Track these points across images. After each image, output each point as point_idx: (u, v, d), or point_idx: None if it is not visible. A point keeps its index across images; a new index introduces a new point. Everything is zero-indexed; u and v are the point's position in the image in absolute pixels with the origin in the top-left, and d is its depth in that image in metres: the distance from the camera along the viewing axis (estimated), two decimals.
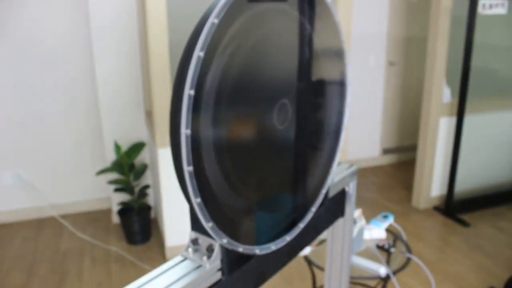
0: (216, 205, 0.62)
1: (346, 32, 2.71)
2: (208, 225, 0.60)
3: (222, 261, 0.66)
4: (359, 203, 3.52)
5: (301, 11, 0.74)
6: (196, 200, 0.57)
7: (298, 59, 0.76)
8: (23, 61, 3.04)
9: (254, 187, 0.70)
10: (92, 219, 3.33)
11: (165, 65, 2.33)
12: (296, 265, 2.61)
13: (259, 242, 0.73)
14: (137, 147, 3.04)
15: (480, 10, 2.94)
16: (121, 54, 3.01)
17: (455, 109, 3.20)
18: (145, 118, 3.15)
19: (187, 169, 0.55)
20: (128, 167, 2.93)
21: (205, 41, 0.54)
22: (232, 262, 0.69)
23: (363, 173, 4.22)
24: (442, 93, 3.18)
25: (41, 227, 3.20)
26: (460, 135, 3.18)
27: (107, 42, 2.96)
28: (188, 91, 0.53)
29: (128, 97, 3.10)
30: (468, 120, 3.19)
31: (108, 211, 3.42)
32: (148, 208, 3.07)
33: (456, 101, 3.18)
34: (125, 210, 3.01)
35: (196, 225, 0.65)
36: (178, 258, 0.67)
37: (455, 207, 3.31)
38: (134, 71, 3.08)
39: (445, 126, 3.28)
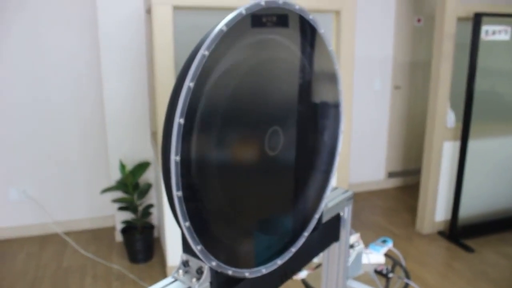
0: (206, 229, 0.63)
1: (349, 54, 2.75)
2: (197, 248, 0.62)
3: (211, 283, 0.68)
4: (362, 226, 3.51)
5: (294, 40, 0.77)
6: (185, 224, 0.59)
7: (290, 87, 0.78)
8: (31, 80, 3.12)
9: (245, 212, 0.72)
10: (95, 236, 3.34)
11: (170, 88, 2.38)
12: None
13: (249, 265, 0.74)
14: (142, 167, 3.07)
15: (483, 36, 2.97)
16: (128, 75, 3.08)
17: (459, 134, 3.20)
18: (151, 138, 3.19)
19: (176, 194, 0.57)
20: (132, 186, 2.95)
21: (195, 72, 0.57)
22: (222, 284, 0.70)
23: (368, 196, 4.21)
24: (446, 117, 3.19)
25: (45, 244, 3.22)
26: (464, 160, 3.17)
27: (116, 63, 3.03)
28: (178, 120, 0.56)
29: (134, 118, 3.15)
30: (472, 144, 3.19)
31: (111, 229, 3.43)
32: (151, 227, 3.08)
33: (460, 125, 3.19)
34: (128, 229, 3.02)
35: (186, 247, 0.67)
36: (169, 279, 0.69)
37: (459, 232, 3.28)
38: (141, 92, 3.14)
39: (449, 151, 3.28)
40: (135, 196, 2.98)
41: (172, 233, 2.66)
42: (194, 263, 0.68)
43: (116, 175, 3.12)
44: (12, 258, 3.01)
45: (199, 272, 0.67)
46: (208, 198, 0.63)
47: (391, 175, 4.44)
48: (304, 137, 0.83)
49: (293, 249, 0.85)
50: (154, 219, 3.30)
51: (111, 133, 3.11)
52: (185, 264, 0.70)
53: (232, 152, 0.66)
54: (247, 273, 0.73)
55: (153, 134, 3.14)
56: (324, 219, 0.98)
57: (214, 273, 0.68)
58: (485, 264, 2.93)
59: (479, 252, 3.10)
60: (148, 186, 3.13)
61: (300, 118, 0.82)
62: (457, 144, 3.24)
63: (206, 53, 0.58)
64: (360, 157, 4.22)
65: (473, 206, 3.36)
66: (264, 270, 0.77)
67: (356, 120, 4.02)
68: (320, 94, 0.87)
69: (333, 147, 0.93)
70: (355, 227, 3.45)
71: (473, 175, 3.27)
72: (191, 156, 0.59)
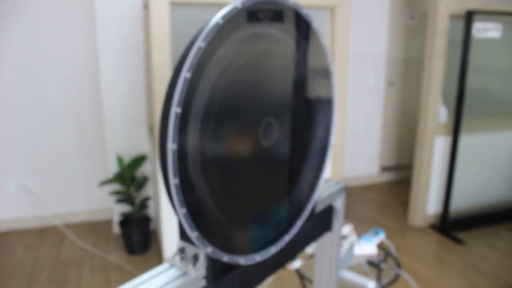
0: (202, 216, 0.67)
1: (344, 50, 2.78)
2: (193, 235, 0.65)
3: (207, 269, 0.71)
4: (355, 220, 3.55)
5: (289, 35, 0.80)
6: (182, 211, 0.62)
7: (284, 80, 0.81)
8: (29, 74, 3.13)
9: (240, 200, 0.75)
10: (93, 229, 3.37)
11: (166, 83, 2.40)
12: (289, 278, 2.64)
13: (243, 252, 0.77)
14: (139, 160, 3.10)
15: (474, 33, 3.01)
16: (126, 70, 3.09)
17: (451, 129, 3.25)
18: (148, 132, 3.21)
19: (173, 181, 0.60)
20: (129, 179, 2.98)
21: (191, 63, 0.60)
22: (217, 270, 0.73)
23: (361, 191, 4.26)
24: (438, 113, 3.23)
25: (43, 236, 3.25)
26: (456, 154, 3.22)
27: (113, 57, 3.04)
28: (175, 109, 0.59)
29: (131, 111, 3.17)
30: (463, 139, 3.24)
31: (109, 222, 3.46)
32: (148, 219, 3.11)
33: (452, 121, 3.23)
34: (125, 221, 3.05)
35: (183, 234, 0.70)
36: (166, 265, 0.72)
37: (451, 226, 3.34)
38: (138, 86, 3.16)
39: (441, 146, 3.32)
40: (132, 189, 3.01)
41: (168, 225, 2.69)
42: (190, 250, 0.71)
43: (113, 168, 3.15)
44: (10, 250, 3.04)
45: (195, 258, 0.70)
46: (203, 186, 0.66)
47: (384, 169, 4.48)
48: (297, 129, 0.86)
49: (286, 238, 0.88)
50: (151, 212, 3.33)
51: (108, 126, 3.14)
52: (181, 251, 0.73)
53: (227, 141, 0.69)
54: (242, 260, 0.77)
55: (150, 128, 3.17)
56: (317, 210, 1.02)
57: (210, 260, 0.71)
58: (475, 256, 2.99)
59: (470, 244, 3.16)
60: (145, 179, 3.15)
61: (294, 110, 0.84)
62: (449, 139, 3.29)
63: (203, 44, 0.60)
64: (354, 151, 4.26)
65: (464, 199, 3.41)
66: (258, 257, 0.81)
67: (350, 116, 4.05)
68: (314, 87, 0.90)
69: (326, 139, 0.96)
70: (349, 220, 3.50)
71: (464, 169, 3.32)
72: (187, 145, 0.61)
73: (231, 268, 0.76)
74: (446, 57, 3.12)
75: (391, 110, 4.33)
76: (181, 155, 0.61)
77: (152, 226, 3.29)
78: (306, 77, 0.87)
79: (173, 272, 0.70)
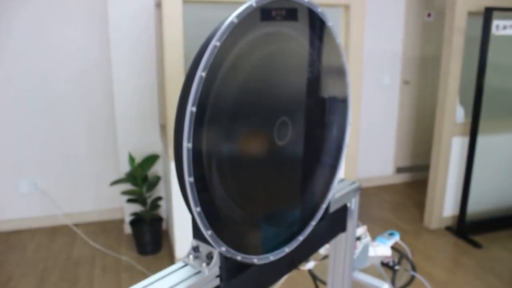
0: (216, 214, 0.65)
1: (358, 48, 2.75)
2: (207, 233, 0.64)
3: (220, 268, 0.70)
4: (370, 221, 3.51)
5: (303, 33, 0.78)
6: (196, 209, 0.61)
7: (298, 79, 0.80)
8: (42, 74, 3.15)
9: (254, 199, 0.74)
10: (104, 228, 3.38)
11: (179, 82, 2.40)
12: (303, 281, 2.61)
13: (257, 252, 0.76)
14: (151, 160, 3.10)
15: (493, 30, 2.95)
16: (138, 69, 3.10)
17: (468, 129, 3.19)
18: (160, 131, 3.22)
19: (188, 179, 0.59)
20: (141, 178, 2.98)
21: (207, 62, 0.58)
22: (231, 269, 0.72)
23: (376, 192, 4.21)
24: (455, 113, 3.18)
25: (55, 235, 3.27)
26: (473, 155, 3.16)
27: (125, 57, 3.05)
28: (191, 108, 0.58)
29: (143, 111, 3.18)
30: (481, 140, 3.17)
31: (120, 222, 3.48)
32: (159, 219, 3.11)
33: (469, 121, 3.17)
34: (137, 221, 3.06)
35: (197, 233, 0.69)
36: (180, 264, 0.71)
37: (468, 228, 3.28)
38: (150, 86, 3.16)
39: (458, 146, 3.27)
40: (144, 189, 3.01)
41: (180, 226, 2.69)
42: (204, 248, 0.70)
43: (125, 168, 3.16)
44: (22, 249, 3.06)
45: (209, 257, 0.69)
46: (218, 185, 0.65)
47: (399, 170, 4.43)
48: (312, 128, 0.85)
49: (300, 238, 0.86)
50: (162, 212, 3.33)
51: (120, 126, 3.14)
52: (195, 249, 0.71)
53: (242, 140, 0.67)
54: (256, 260, 0.75)
55: (162, 127, 3.17)
56: (331, 210, 0.99)
57: (224, 259, 0.70)
58: (493, 260, 2.93)
59: (487, 248, 3.09)
60: (157, 179, 3.16)
61: (308, 109, 0.83)
62: (466, 140, 3.23)
63: (218, 44, 0.59)
64: (369, 152, 4.22)
65: (481, 202, 3.35)
66: (272, 257, 0.79)
67: (364, 115, 4.01)
68: (328, 87, 0.88)
69: (340, 138, 0.94)
70: (363, 222, 3.45)
71: (482, 171, 3.26)
72: (202, 144, 0.60)
73: (244, 267, 0.75)
74: (464, 55, 3.07)
75: (406, 109, 4.28)
76: (196, 154, 0.60)
77: (164, 226, 3.29)
78: (321, 76, 0.85)
79: (186, 271, 0.69)
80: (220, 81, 0.61)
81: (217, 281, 0.70)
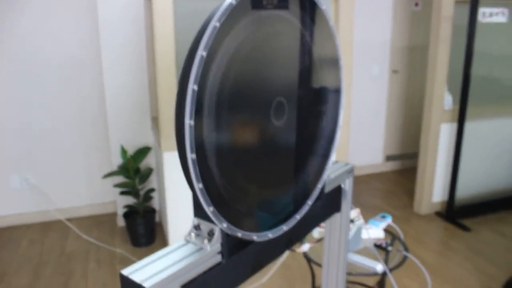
0: (217, 191, 0.67)
1: (348, 39, 2.77)
2: (209, 210, 0.66)
3: (222, 244, 0.72)
4: (361, 208, 3.56)
5: (299, 17, 0.80)
6: (199, 186, 0.63)
7: (293, 60, 0.82)
8: (34, 67, 3.13)
9: (254, 178, 0.76)
10: (98, 222, 3.38)
11: (171, 74, 2.40)
12: (298, 266, 2.65)
13: (257, 229, 0.78)
14: (143, 152, 3.10)
15: (480, 18, 2.99)
16: (129, 62, 3.09)
17: (456, 116, 3.24)
18: (151, 123, 3.22)
19: (191, 156, 0.61)
20: (133, 171, 2.99)
21: (207, 42, 0.60)
22: (231, 246, 0.74)
23: (366, 180, 4.26)
24: (444, 100, 3.22)
25: (48, 230, 3.26)
26: (461, 141, 3.22)
27: (116, 50, 3.04)
28: (192, 86, 0.59)
29: (135, 104, 3.17)
30: (469, 126, 3.23)
31: (113, 215, 3.48)
32: (153, 211, 3.12)
33: (457, 107, 3.23)
34: (130, 213, 3.06)
35: (198, 211, 0.70)
36: (181, 242, 0.73)
37: (456, 213, 3.34)
38: (141, 78, 3.16)
39: (446, 133, 3.32)
40: (137, 181, 3.02)
41: (173, 217, 2.70)
42: (205, 226, 0.72)
43: (117, 161, 3.16)
44: (15, 245, 3.05)
45: (211, 234, 0.71)
46: (219, 163, 0.66)
47: (389, 158, 4.49)
48: (307, 110, 0.87)
49: (297, 216, 0.89)
50: (155, 204, 3.34)
51: (111, 119, 3.14)
52: (196, 227, 0.73)
53: (241, 118, 0.69)
54: (255, 237, 0.77)
55: (154, 119, 3.17)
56: (327, 190, 1.02)
57: (225, 235, 0.71)
58: (481, 242, 2.99)
59: (476, 231, 3.16)
60: (149, 171, 3.16)
61: (304, 91, 0.85)
62: (454, 126, 3.28)
63: (217, 24, 0.61)
64: (359, 141, 4.26)
65: (470, 186, 3.41)
66: (270, 234, 0.81)
67: (354, 105, 4.05)
68: (322, 68, 0.91)
69: (334, 120, 0.97)
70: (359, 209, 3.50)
71: (470, 156, 3.32)
72: (203, 122, 0.62)
73: (244, 244, 0.77)
74: (451, 44, 3.11)
75: (395, 98, 4.33)
76: (198, 131, 0.61)
77: (157, 218, 3.30)
78: (315, 58, 0.87)
79: (188, 248, 0.70)
80: (219, 61, 0.63)
81: (218, 258, 0.72)
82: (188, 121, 0.60)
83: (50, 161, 3.32)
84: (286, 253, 1.57)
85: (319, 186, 0.95)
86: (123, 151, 2.98)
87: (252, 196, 0.76)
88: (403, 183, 4.14)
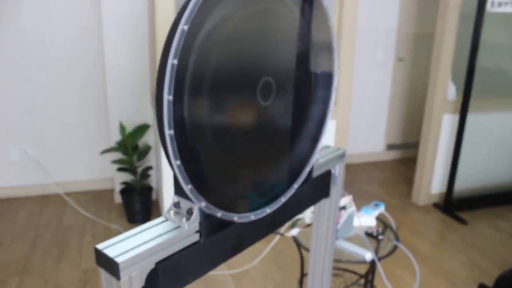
0: (196, 169, 0.66)
1: (352, 23, 2.73)
2: (187, 187, 0.65)
3: (200, 223, 0.71)
4: (359, 196, 3.56)
5: None
6: (176, 162, 0.62)
7: (283, 39, 0.79)
8: (34, 41, 3.10)
9: (236, 158, 0.74)
10: (95, 197, 3.40)
11: None
12: (290, 251, 2.66)
13: (238, 210, 0.77)
14: (142, 129, 3.09)
15: (488, 7, 2.93)
16: (130, 38, 3.06)
17: (459, 107, 3.21)
18: (151, 100, 3.20)
19: (168, 132, 0.59)
20: (131, 148, 2.98)
21: (189, 15, 0.58)
22: (210, 226, 0.73)
23: (366, 168, 4.25)
24: (447, 90, 3.18)
25: (46, 203, 3.28)
26: (462, 133, 3.19)
27: (117, 26, 3.01)
28: (172, 61, 0.58)
29: (135, 80, 3.15)
30: (471, 118, 3.20)
31: (111, 191, 3.49)
32: (149, 189, 3.13)
33: (460, 98, 3.19)
34: (127, 190, 3.07)
35: (178, 188, 0.69)
36: (160, 219, 0.72)
37: (454, 205, 3.33)
38: (141, 54, 3.13)
39: (448, 123, 3.29)
40: (134, 158, 3.02)
41: (170, 195, 2.71)
42: (185, 204, 0.71)
43: (116, 137, 3.15)
44: (13, 216, 3.08)
45: (189, 212, 0.70)
46: (199, 140, 0.65)
47: (390, 147, 4.46)
48: (296, 91, 0.85)
49: (282, 199, 0.88)
50: (152, 181, 3.35)
51: (111, 95, 3.12)
52: (176, 205, 0.72)
53: (223, 95, 0.67)
54: (236, 218, 0.76)
55: (153, 96, 3.15)
56: (315, 174, 1.01)
57: (203, 214, 0.71)
58: (477, 236, 2.99)
59: (473, 224, 3.15)
60: (148, 148, 3.16)
61: (293, 71, 0.83)
62: (457, 117, 3.25)
63: None
64: (360, 128, 4.24)
65: (469, 179, 3.39)
66: (253, 216, 0.80)
67: (357, 91, 4.01)
68: (314, 49, 0.88)
69: (325, 102, 0.95)
70: (352, 196, 3.50)
71: (471, 148, 3.29)
72: (183, 97, 0.60)
73: (225, 225, 0.76)
74: (458, 32, 3.06)
75: (399, 86, 4.28)
76: (177, 108, 0.60)
77: (154, 196, 3.31)
78: (305, 39, 0.85)
79: (167, 225, 0.70)
80: (203, 36, 0.61)
81: (196, 237, 0.71)
82: (167, 96, 0.58)
83: (49, 135, 3.33)
84: (277, 237, 1.57)
85: (307, 169, 0.94)
86: (122, 128, 2.98)
87: (233, 177, 0.75)
88: (403, 173, 4.13)
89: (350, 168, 4.15)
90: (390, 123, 4.38)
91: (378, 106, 4.27)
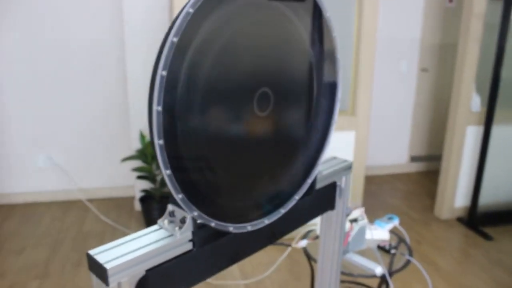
0: (188, 179, 0.66)
1: (371, 36, 2.70)
2: (178, 197, 0.65)
3: (193, 233, 0.71)
4: (380, 208, 3.49)
5: (289, 5, 0.77)
6: (166, 172, 0.62)
7: (283, 50, 0.79)
8: (60, 53, 3.21)
9: (230, 168, 0.74)
10: (116, 204, 3.46)
11: None
12: (305, 262, 2.62)
13: (234, 220, 0.77)
14: None
15: None
16: (151, 49, 3.12)
17: (484, 119, 3.12)
18: None
19: (158, 142, 0.60)
20: (151, 156, 3.03)
21: (179, 28, 0.59)
22: (205, 235, 0.73)
23: (389, 179, 4.17)
24: (471, 101, 3.11)
25: (69, 209, 3.36)
26: (487, 146, 3.10)
27: (139, 38, 3.07)
28: (161, 72, 0.59)
29: None
30: (496, 130, 3.10)
31: (131, 199, 3.54)
32: (168, 197, 3.16)
33: (485, 110, 3.10)
34: (146, 198, 3.11)
35: (172, 197, 0.70)
36: (154, 227, 0.73)
37: (479, 220, 3.22)
38: None
39: (472, 136, 3.20)
40: (154, 166, 3.06)
41: None
42: (178, 213, 0.71)
43: (136, 145, 3.21)
44: (37, 220, 3.16)
45: (183, 221, 0.71)
46: (190, 150, 0.65)
47: (414, 159, 4.37)
48: (296, 102, 0.84)
49: (282, 210, 0.87)
50: None
51: (133, 104, 3.19)
52: (171, 214, 0.73)
53: (217, 107, 0.68)
54: (231, 228, 0.76)
55: None
56: (318, 186, 1.00)
57: (197, 224, 0.71)
58: (502, 252, 2.88)
59: (498, 240, 3.05)
60: None
61: (293, 82, 0.83)
62: (481, 129, 3.16)
63: (191, 10, 0.60)
64: (384, 140, 4.17)
65: (494, 193, 3.28)
66: (250, 227, 0.80)
67: (380, 102, 3.96)
68: (316, 60, 0.88)
69: (329, 114, 0.94)
70: (373, 208, 3.44)
71: (496, 161, 3.19)
72: (174, 107, 0.61)
73: (220, 235, 0.76)
74: (482, 42, 2.99)
75: (423, 98, 4.20)
76: (167, 118, 0.60)
77: None
78: (307, 50, 0.85)
79: (159, 234, 0.70)
80: (195, 47, 0.62)
81: (189, 246, 0.71)
82: (156, 107, 0.59)
83: (74, 142, 3.41)
84: (289, 249, 1.56)
85: (309, 181, 0.93)
86: (142, 137, 3.03)
87: (228, 187, 0.74)
88: (426, 186, 4.03)
89: (372, 180, 4.09)
90: (414, 134, 4.30)
91: (402, 117, 4.21)
